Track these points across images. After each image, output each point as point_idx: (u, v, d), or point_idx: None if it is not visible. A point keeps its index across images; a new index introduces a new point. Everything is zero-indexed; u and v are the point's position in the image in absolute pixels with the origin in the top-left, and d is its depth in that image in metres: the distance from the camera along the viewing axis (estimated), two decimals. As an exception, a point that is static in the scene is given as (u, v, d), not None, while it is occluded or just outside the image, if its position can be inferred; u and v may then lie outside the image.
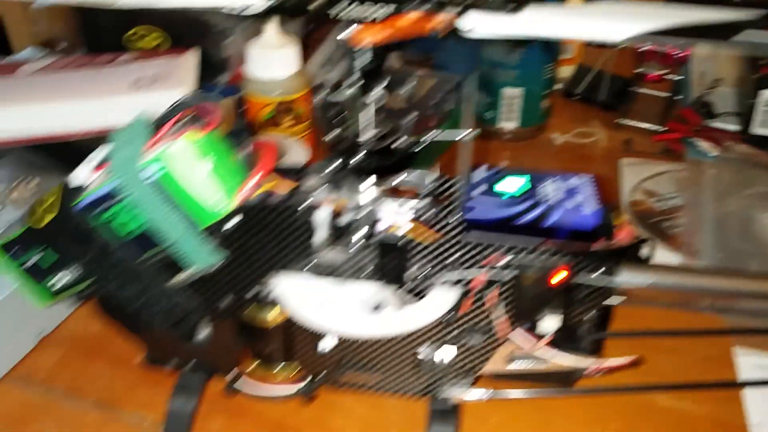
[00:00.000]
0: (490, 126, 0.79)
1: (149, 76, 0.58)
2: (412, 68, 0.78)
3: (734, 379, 0.51)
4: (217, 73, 0.70)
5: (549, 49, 0.74)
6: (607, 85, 0.85)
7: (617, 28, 0.30)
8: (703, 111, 0.79)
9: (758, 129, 0.73)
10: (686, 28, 0.29)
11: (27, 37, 0.89)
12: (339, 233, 0.37)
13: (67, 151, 0.57)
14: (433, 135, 0.36)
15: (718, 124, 0.78)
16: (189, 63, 0.62)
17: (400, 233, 0.35)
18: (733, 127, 0.77)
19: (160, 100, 0.52)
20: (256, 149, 0.38)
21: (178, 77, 0.59)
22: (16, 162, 0.62)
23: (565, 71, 0.89)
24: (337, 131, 0.36)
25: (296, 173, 0.39)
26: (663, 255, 0.61)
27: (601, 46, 0.91)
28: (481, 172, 0.37)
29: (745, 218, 0.62)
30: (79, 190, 0.36)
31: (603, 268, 0.36)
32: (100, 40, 0.69)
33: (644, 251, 0.59)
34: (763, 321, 0.47)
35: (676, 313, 0.55)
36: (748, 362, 0.51)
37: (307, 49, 0.89)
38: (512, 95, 0.76)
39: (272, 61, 0.64)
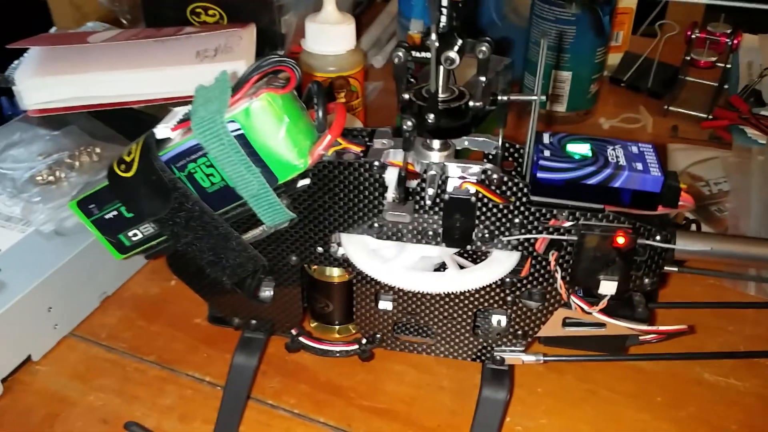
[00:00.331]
0: (540, 109, 0.79)
1: (212, 48, 0.60)
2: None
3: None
4: (274, 48, 0.71)
5: (600, 33, 0.74)
6: (655, 73, 0.85)
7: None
8: (751, 99, 0.79)
9: (808, 118, 0.73)
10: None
11: (69, 16, 0.92)
12: (408, 193, 0.38)
13: (130, 121, 0.60)
14: (506, 98, 0.37)
15: (766, 112, 0.78)
16: (248, 36, 0.64)
17: (469, 193, 0.36)
18: (782, 115, 0.76)
19: (227, 70, 0.54)
20: (329, 111, 0.40)
21: (239, 50, 0.61)
22: (79, 130, 0.64)
23: (613, 59, 0.90)
24: (411, 91, 0.37)
25: (366, 136, 0.40)
26: (710, 237, 0.62)
27: (650, 34, 0.92)
28: (547, 137, 0.38)
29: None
30: (162, 144, 0.38)
31: (661, 235, 0.37)
32: (159, 16, 0.71)
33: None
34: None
35: (722, 291, 0.56)
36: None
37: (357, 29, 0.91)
38: (562, 78, 0.76)
39: (329, 36, 0.65)
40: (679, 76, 0.82)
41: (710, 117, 0.78)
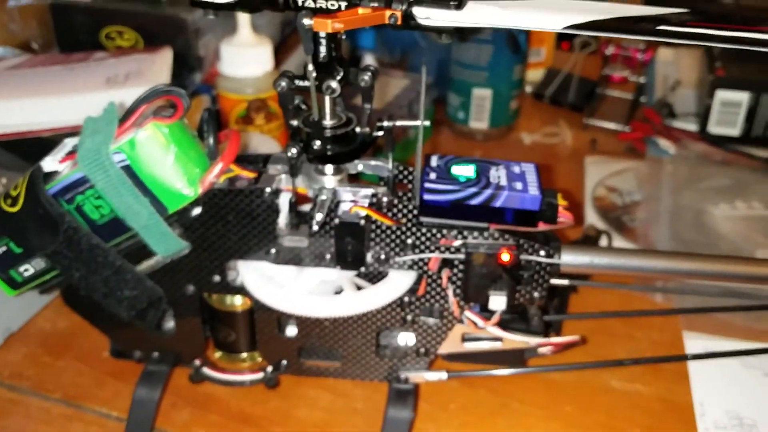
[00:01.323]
0: (463, 126, 0.81)
1: (122, 74, 0.60)
2: (386, 69, 0.81)
3: (683, 364, 0.53)
4: (192, 71, 0.71)
5: (517, 50, 0.76)
6: (575, 88, 0.88)
7: (555, 19, 0.32)
8: (664, 111, 0.82)
9: (714, 128, 0.76)
10: (617, 20, 0.32)
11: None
12: (300, 218, 0.38)
13: (37, 149, 0.59)
14: (392, 124, 0.38)
15: (678, 123, 0.81)
16: (162, 60, 0.64)
17: (358, 217, 0.37)
18: (692, 126, 0.79)
19: (134, 96, 0.54)
20: (221, 139, 0.40)
21: (151, 74, 0.61)
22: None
23: (536, 74, 0.92)
24: (298, 119, 0.37)
25: (258, 162, 0.40)
26: (622, 246, 0.64)
27: (570, 50, 0.95)
28: (434, 160, 0.39)
29: (698, 211, 0.64)
30: (50, 177, 0.38)
31: (544, 250, 0.38)
32: (73, 40, 0.71)
33: (603, 242, 0.62)
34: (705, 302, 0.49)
35: (633, 300, 0.58)
36: (695, 345, 0.54)
37: (284, 53, 0.92)
38: (482, 96, 0.78)
39: (245, 59, 0.66)
40: (597, 90, 0.85)
41: (627, 129, 0.81)
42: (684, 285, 0.48)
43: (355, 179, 0.41)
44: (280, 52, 0.95)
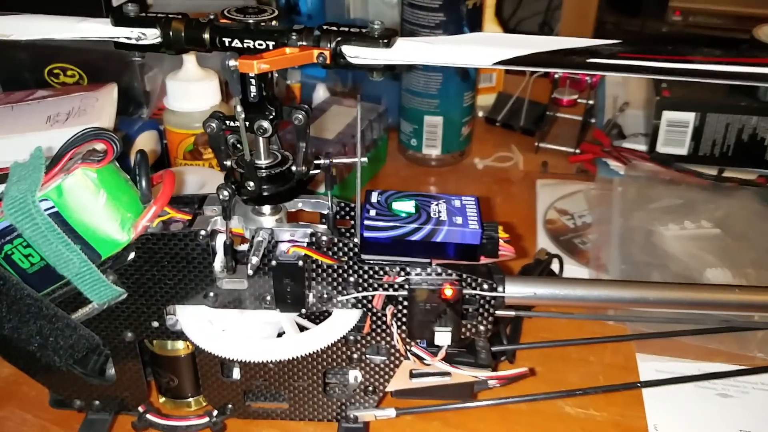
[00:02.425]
0: (417, 152, 0.81)
1: (64, 112, 0.59)
2: (338, 98, 0.80)
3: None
4: (139, 106, 0.70)
5: (467, 78, 0.77)
6: (526, 111, 0.88)
7: (484, 55, 0.32)
8: (613, 132, 0.83)
9: (662, 148, 0.77)
10: (547, 54, 0.32)
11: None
12: (238, 260, 0.38)
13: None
14: (328, 162, 0.38)
15: (628, 144, 0.82)
16: (106, 97, 0.63)
17: (297, 257, 0.36)
18: (641, 146, 0.81)
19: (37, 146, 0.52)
20: (155, 180, 0.39)
21: (93, 112, 0.60)
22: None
23: (487, 99, 0.93)
24: (231, 159, 0.37)
25: (194, 203, 0.40)
26: (573, 270, 0.64)
27: (520, 74, 0.96)
28: (375, 196, 0.39)
29: (647, 232, 0.65)
30: (-25, 226, 0.37)
31: (487, 284, 0.38)
32: (16, 78, 0.69)
33: (555, 267, 0.62)
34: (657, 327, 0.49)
35: (586, 324, 0.58)
36: (649, 367, 0.54)
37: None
38: (433, 123, 0.78)
39: (191, 93, 0.65)
40: (547, 113, 0.86)
41: (577, 152, 0.82)
42: (632, 312, 0.48)
43: (295, 218, 0.40)
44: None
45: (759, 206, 0.69)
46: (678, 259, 0.62)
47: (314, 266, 0.38)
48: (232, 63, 0.31)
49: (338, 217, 0.41)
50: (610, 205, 0.70)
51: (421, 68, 0.75)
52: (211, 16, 0.35)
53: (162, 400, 0.44)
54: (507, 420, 0.50)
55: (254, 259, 0.35)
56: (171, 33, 0.33)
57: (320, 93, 0.84)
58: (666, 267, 0.62)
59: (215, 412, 0.43)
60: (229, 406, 0.43)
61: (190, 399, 0.44)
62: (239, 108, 0.33)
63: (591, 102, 0.85)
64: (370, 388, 0.42)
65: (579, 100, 0.86)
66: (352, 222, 0.41)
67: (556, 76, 0.84)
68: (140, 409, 0.43)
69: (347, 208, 0.41)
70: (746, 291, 0.40)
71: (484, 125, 0.91)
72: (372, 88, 0.86)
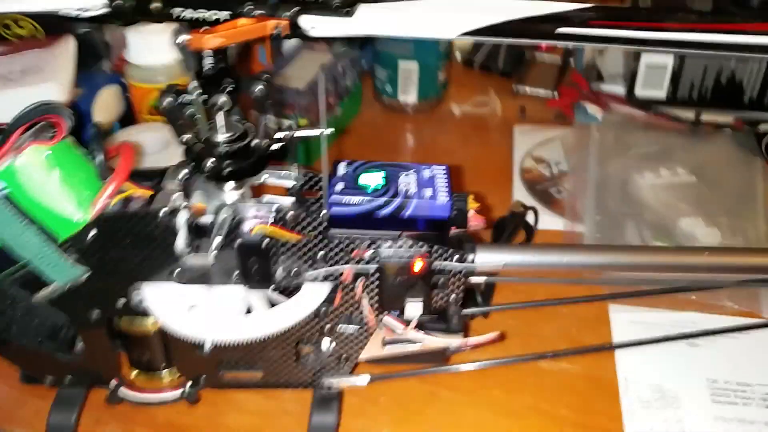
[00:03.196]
0: (392, 99, 0.79)
1: (17, 70, 0.56)
2: (309, 43, 0.78)
3: (609, 337, 0.54)
4: (99, 60, 0.67)
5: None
6: (504, 54, 0.86)
7: (448, 26, 0.30)
8: (592, 75, 0.81)
9: (641, 91, 0.75)
10: (516, 23, 0.30)
11: None
12: (201, 238, 0.37)
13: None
14: (291, 134, 0.37)
15: (606, 86, 0.81)
16: (64, 52, 0.60)
17: (261, 235, 0.35)
18: (620, 89, 0.79)
19: (34, 94, 0.50)
20: (112, 153, 0.37)
21: (50, 69, 0.57)
22: None
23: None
24: (188, 135, 0.35)
25: (153, 178, 0.38)
26: (549, 220, 0.63)
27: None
28: (342, 168, 0.38)
29: (623, 180, 0.65)
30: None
31: (458, 255, 0.37)
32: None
33: (530, 218, 0.62)
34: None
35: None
36: (621, 318, 0.54)
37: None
38: (408, 69, 0.76)
39: (154, 45, 0.62)
40: (526, 55, 0.84)
41: (556, 96, 0.80)
42: (604, 275, 0.48)
43: (260, 190, 0.39)
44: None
45: (734, 151, 0.69)
46: (652, 209, 0.62)
47: (279, 243, 0.37)
48: (182, 38, 0.29)
49: (305, 188, 0.40)
50: (586, 152, 0.70)
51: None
52: (161, -16, 0.32)
53: (134, 373, 0.44)
54: (480, 375, 0.51)
55: (217, 240, 0.35)
56: (118, 3, 0.31)
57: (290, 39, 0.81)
58: (640, 216, 0.62)
59: (189, 384, 0.43)
60: (203, 376, 0.43)
61: (163, 371, 0.44)
62: (194, 84, 0.32)
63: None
64: (344, 357, 0.42)
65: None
66: (320, 192, 0.40)
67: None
68: (113, 382, 0.43)
69: (315, 179, 0.40)
70: (715, 253, 0.40)
71: (461, 68, 0.88)
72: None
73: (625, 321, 0.55)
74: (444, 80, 0.80)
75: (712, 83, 0.74)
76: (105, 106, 0.64)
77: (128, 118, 0.67)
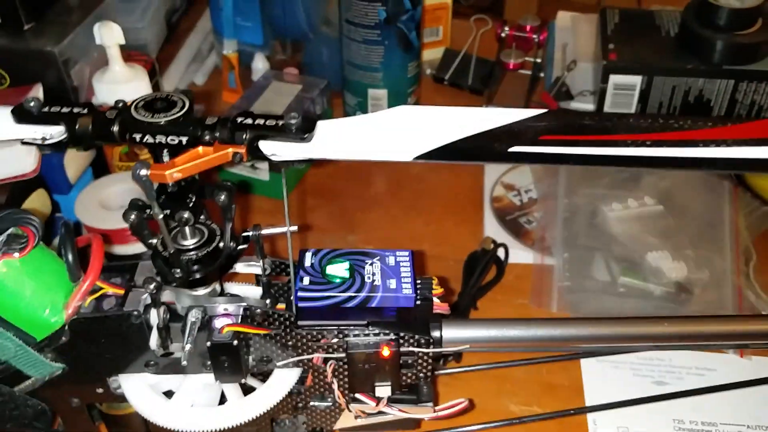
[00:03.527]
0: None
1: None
2: (278, 72, 0.78)
3: (579, 377, 0.56)
4: (68, 104, 0.67)
5: (409, 49, 0.74)
6: (474, 69, 0.86)
7: (406, 148, 0.31)
8: (562, 91, 0.82)
9: (609, 110, 0.76)
10: (470, 141, 0.31)
11: None
12: (173, 334, 0.38)
13: None
14: (257, 233, 0.37)
15: (575, 104, 0.81)
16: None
17: (231, 336, 0.36)
18: (589, 107, 0.80)
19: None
20: (81, 243, 0.38)
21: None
22: None
23: (434, 53, 0.90)
24: (158, 240, 0.36)
25: (125, 273, 0.39)
26: (520, 254, 0.65)
27: (467, 28, 0.93)
28: (308, 258, 0.39)
29: (591, 212, 0.66)
30: None
31: (424, 339, 0.38)
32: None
33: (501, 253, 0.63)
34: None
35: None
36: (590, 362, 0.56)
37: (175, 41, 0.87)
38: (378, 96, 0.76)
39: (120, 95, 0.62)
40: (495, 72, 0.84)
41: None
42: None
43: (229, 277, 0.40)
44: (171, 42, 0.90)
45: (700, 175, 0.70)
46: (620, 242, 0.63)
47: (249, 337, 0.38)
48: (143, 172, 0.30)
49: (273, 273, 0.41)
50: (555, 178, 0.71)
51: (361, 40, 0.73)
52: (120, 104, 0.33)
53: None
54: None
55: (188, 347, 0.35)
56: (77, 129, 0.32)
57: (259, 65, 0.81)
58: (609, 250, 0.63)
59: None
60: None
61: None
62: (156, 209, 0.32)
63: (539, 60, 0.83)
64: (317, 430, 0.43)
65: (527, 59, 0.84)
66: (288, 278, 0.41)
67: (503, 34, 0.82)
68: (96, 460, 0.44)
69: (282, 266, 0.41)
70: (675, 323, 0.41)
71: (431, 84, 0.89)
72: (314, 54, 0.83)
73: (593, 361, 0.57)
74: (414, 103, 0.80)
75: (680, 102, 0.75)
76: (77, 153, 0.64)
77: (101, 163, 0.67)
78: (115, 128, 0.32)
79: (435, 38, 0.91)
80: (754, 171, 0.56)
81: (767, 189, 0.67)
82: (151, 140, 0.31)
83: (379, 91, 0.76)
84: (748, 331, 0.44)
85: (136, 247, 0.55)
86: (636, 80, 0.74)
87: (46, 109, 0.32)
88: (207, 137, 0.31)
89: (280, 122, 0.31)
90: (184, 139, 0.31)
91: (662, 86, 0.74)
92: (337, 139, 0.31)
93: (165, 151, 0.32)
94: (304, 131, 0.31)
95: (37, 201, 0.60)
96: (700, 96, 0.74)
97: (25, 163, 0.58)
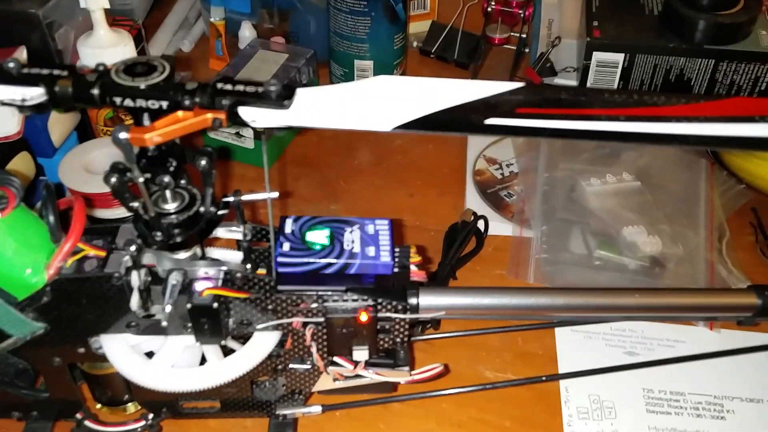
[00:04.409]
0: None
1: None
2: (265, 41, 0.77)
3: (553, 345, 0.57)
4: (53, 67, 0.66)
5: (396, 20, 0.74)
6: (460, 43, 0.87)
7: (385, 118, 0.32)
8: (546, 67, 0.82)
9: (592, 86, 0.77)
10: (448, 112, 0.32)
11: None
12: (153, 296, 0.38)
13: None
14: (237, 199, 0.38)
15: (559, 80, 0.82)
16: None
17: (211, 299, 0.37)
18: (573, 82, 0.81)
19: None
20: (62, 205, 0.39)
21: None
22: None
23: (421, 26, 0.90)
24: (139, 204, 0.36)
25: (107, 235, 0.39)
26: (499, 226, 0.66)
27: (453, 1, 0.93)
28: (289, 224, 0.39)
29: (570, 186, 0.67)
30: None
31: (401, 305, 0.39)
32: None
33: (481, 225, 0.64)
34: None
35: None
36: (564, 331, 0.58)
37: (162, 8, 0.86)
38: (364, 67, 0.77)
39: (105, 59, 0.61)
40: (480, 47, 0.84)
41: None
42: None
43: (210, 242, 0.41)
44: (158, 9, 0.89)
45: (678, 152, 0.71)
46: (598, 216, 0.64)
47: (229, 300, 0.39)
48: (123, 136, 0.30)
49: (254, 239, 0.41)
50: (536, 153, 0.71)
51: (348, 11, 0.73)
52: (101, 68, 0.33)
53: (98, 405, 0.46)
54: (429, 386, 0.54)
55: (168, 308, 0.36)
56: (57, 91, 0.32)
57: (246, 33, 0.81)
58: (586, 224, 0.64)
59: (150, 415, 0.45)
60: (163, 409, 0.45)
61: (128, 404, 0.46)
62: (136, 172, 0.33)
63: (524, 36, 0.83)
64: (297, 391, 0.44)
65: (512, 34, 0.84)
66: (269, 244, 0.42)
67: (489, 9, 0.82)
68: (78, 416, 0.45)
69: (263, 232, 0.42)
70: (646, 294, 0.43)
71: (418, 56, 0.89)
72: (301, 23, 0.83)
73: (567, 330, 0.58)
74: (401, 75, 0.80)
75: (661, 81, 0.76)
76: (61, 116, 0.64)
77: (85, 127, 0.67)
78: (96, 91, 0.32)
79: (422, 11, 0.91)
80: (726, 148, 0.57)
81: (743, 167, 0.68)
82: (131, 104, 0.32)
83: (366, 63, 0.76)
84: (717, 304, 0.45)
85: (120, 212, 0.56)
86: (618, 58, 0.75)
87: (25, 71, 0.32)
88: (187, 102, 0.31)
89: (260, 89, 0.31)
90: (165, 104, 0.32)
91: (644, 64, 0.75)
92: (317, 107, 0.32)
93: (145, 115, 0.32)
94: (284, 98, 0.31)
95: (21, 164, 0.60)
96: (681, 75, 0.75)
97: (8, 125, 0.58)
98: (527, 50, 0.87)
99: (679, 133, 0.32)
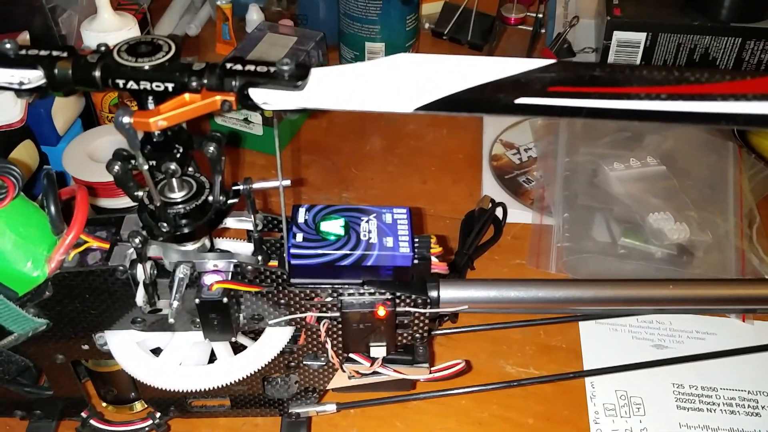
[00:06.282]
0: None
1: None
2: (273, 24, 0.75)
3: (577, 339, 0.55)
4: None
5: (408, 2, 0.72)
6: (474, 24, 0.84)
7: (406, 99, 0.29)
8: (564, 48, 0.79)
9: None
10: (473, 93, 0.29)
11: None
12: (160, 290, 0.36)
13: None
14: (248, 187, 0.36)
15: (579, 60, 0.79)
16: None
17: (220, 294, 0.35)
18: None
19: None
20: (64, 195, 0.36)
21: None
22: None
23: (434, 8, 0.88)
24: (145, 193, 0.34)
25: (110, 226, 0.37)
26: (518, 214, 0.63)
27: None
28: (302, 214, 0.37)
29: (592, 171, 0.64)
30: None
31: (421, 299, 0.37)
32: None
33: (499, 213, 0.62)
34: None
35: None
36: (588, 324, 0.55)
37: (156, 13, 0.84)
38: (375, 49, 0.74)
39: (109, 42, 0.59)
40: (495, 28, 0.82)
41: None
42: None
43: (220, 233, 0.39)
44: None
45: (704, 135, 0.68)
46: (621, 203, 0.62)
47: (240, 294, 0.37)
48: (126, 120, 0.28)
49: (265, 229, 0.39)
50: (555, 137, 0.69)
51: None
52: (102, 48, 0.31)
53: (104, 404, 0.45)
54: (448, 384, 0.52)
55: (175, 304, 0.34)
56: (57, 73, 0.30)
57: (254, 16, 0.79)
58: (609, 211, 0.62)
59: (158, 414, 0.43)
60: (171, 408, 0.43)
61: (134, 402, 0.44)
62: (141, 159, 0.30)
63: (541, 15, 0.80)
64: (310, 389, 0.42)
65: (528, 14, 0.81)
66: (281, 234, 0.39)
67: (506, -13, 0.79)
68: (83, 414, 0.43)
69: (275, 221, 0.40)
70: (678, 286, 0.40)
71: (430, 38, 0.86)
72: (310, 5, 0.81)
73: (592, 323, 0.56)
74: (414, 58, 0.78)
75: (685, 61, 0.73)
76: (65, 103, 0.62)
77: (90, 115, 0.65)
78: (97, 73, 0.30)
79: (433, -9, 0.88)
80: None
81: (772, 151, 0.65)
82: (134, 86, 0.30)
83: (377, 45, 0.74)
84: (751, 296, 0.43)
85: (125, 201, 0.54)
86: (640, 37, 0.72)
87: (23, 52, 0.30)
88: (194, 84, 0.29)
89: (272, 69, 0.29)
90: (170, 86, 0.29)
91: (667, 44, 0.72)
92: (333, 87, 0.29)
93: (150, 98, 0.30)
94: (298, 78, 0.29)
95: (25, 152, 0.58)
96: (706, 54, 0.72)
97: (11, 112, 0.56)
98: (543, 30, 0.84)
99: (725, 112, 0.29)
